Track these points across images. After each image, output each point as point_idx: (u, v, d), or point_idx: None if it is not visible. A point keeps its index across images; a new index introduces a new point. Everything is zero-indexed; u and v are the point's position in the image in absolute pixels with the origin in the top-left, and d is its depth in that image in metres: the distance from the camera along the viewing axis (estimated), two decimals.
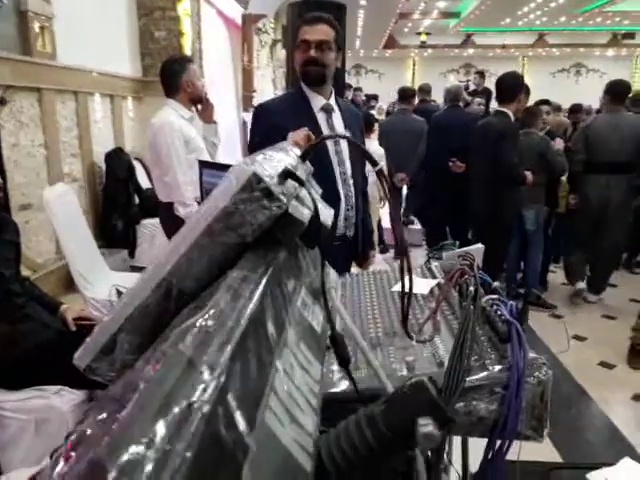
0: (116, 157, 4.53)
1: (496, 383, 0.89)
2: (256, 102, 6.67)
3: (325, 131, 2.00)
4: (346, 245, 2.03)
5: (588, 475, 1.17)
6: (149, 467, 0.23)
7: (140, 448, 0.24)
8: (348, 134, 2.04)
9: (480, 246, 1.44)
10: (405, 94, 5.28)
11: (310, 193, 0.60)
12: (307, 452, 0.35)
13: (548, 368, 0.99)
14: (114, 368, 0.53)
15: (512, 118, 3.49)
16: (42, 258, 3.65)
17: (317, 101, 2.02)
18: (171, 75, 2.80)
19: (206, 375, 0.29)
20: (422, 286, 1.31)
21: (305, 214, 0.57)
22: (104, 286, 2.82)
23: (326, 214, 0.65)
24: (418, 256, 4.71)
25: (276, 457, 0.32)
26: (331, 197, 1.93)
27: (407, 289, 0.96)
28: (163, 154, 2.70)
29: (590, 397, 2.96)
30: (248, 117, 6.35)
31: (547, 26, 15.75)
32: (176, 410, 0.27)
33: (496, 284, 1.23)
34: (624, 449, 2.44)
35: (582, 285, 4.41)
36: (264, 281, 0.44)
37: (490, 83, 8.71)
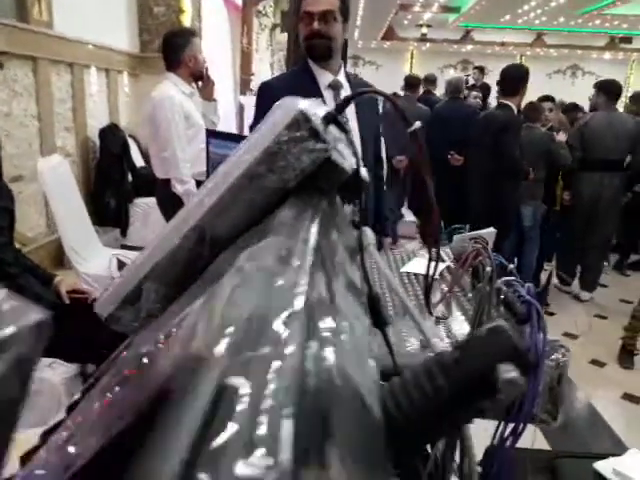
0: (110, 133, 4.43)
1: None
2: (254, 85, 6.58)
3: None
4: None
5: (595, 464, 1.15)
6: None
7: (249, 350, 0.21)
8: (355, 116, 1.96)
9: (492, 230, 1.41)
10: (411, 82, 5.30)
11: (352, 143, 0.56)
12: (375, 398, 0.33)
13: (567, 350, 0.97)
14: (139, 318, 0.49)
15: (515, 111, 3.46)
16: (33, 232, 3.57)
17: (324, 78, 1.91)
18: (174, 48, 2.72)
19: (291, 288, 0.26)
20: None
21: (347, 164, 0.53)
22: (97, 261, 2.76)
23: (363, 170, 0.62)
24: (410, 249, 4.68)
25: (352, 397, 0.29)
26: None
27: (432, 268, 0.94)
28: (163, 129, 2.64)
29: (581, 393, 2.97)
30: (245, 100, 6.26)
31: (546, 26, 15.74)
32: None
33: (512, 266, 1.21)
34: (615, 444, 2.45)
35: (570, 288, 4.53)
36: (317, 221, 0.40)
37: (488, 79, 8.73)
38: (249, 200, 0.47)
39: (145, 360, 0.31)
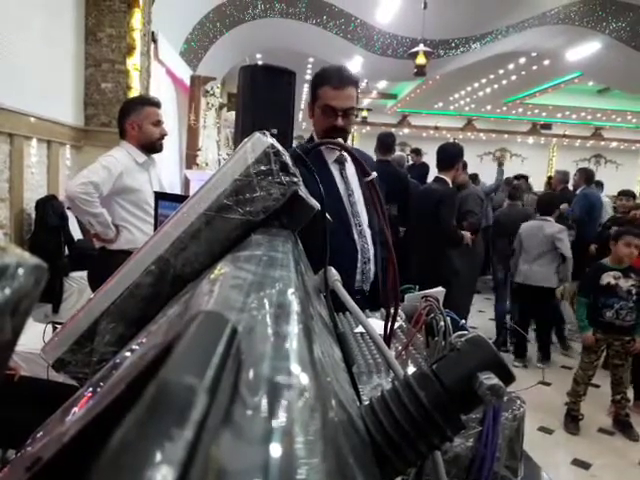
0: (49, 204, 4.28)
1: (471, 418, 0.85)
2: (200, 160, 6.64)
3: (339, 183, 1.85)
4: (364, 299, 1.85)
5: None
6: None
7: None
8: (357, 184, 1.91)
9: (441, 289, 1.43)
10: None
11: (317, 184, 0.55)
12: (359, 418, 0.30)
13: (522, 402, 0.95)
14: (90, 363, 0.44)
15: (450, 184, 3.64)
16: None
17: (330, 154, 1.86)
18: (120, 115, 2.68)
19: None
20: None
21: (313, 202, 0.53)
22: (25, 337, 2.56)
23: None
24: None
25: (339, 412, 0.26)
26: (347, 249, 1.80)
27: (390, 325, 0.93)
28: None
29: (533, 461, 2.94)
30: (191, 175, 6.29)
31: (475, 112, 17.12)
32: None
33: (463, 322, 1.22)
34: None
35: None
36: (290, 243, 0.38)
37: (424, 159, 9.28)
38: (213, 234, 0.45)
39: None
